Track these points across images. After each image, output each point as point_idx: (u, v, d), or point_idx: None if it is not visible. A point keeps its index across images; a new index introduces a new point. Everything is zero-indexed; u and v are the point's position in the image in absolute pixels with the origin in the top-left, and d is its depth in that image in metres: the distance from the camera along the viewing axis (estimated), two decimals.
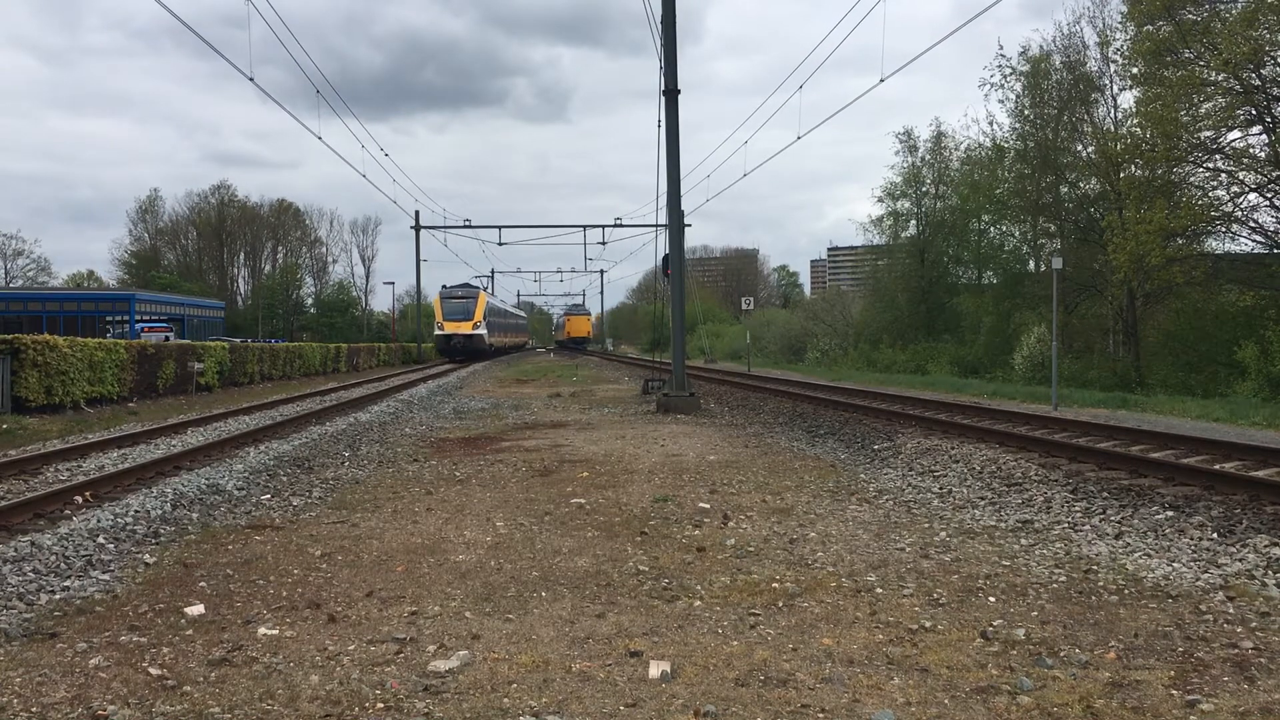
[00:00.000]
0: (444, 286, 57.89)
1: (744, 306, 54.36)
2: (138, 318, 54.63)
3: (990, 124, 74.52)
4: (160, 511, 8.86)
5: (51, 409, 19.08)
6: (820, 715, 4.22)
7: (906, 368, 43.06)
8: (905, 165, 52.13)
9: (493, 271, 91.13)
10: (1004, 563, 6.93)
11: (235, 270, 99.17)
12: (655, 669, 4.72)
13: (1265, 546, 7.18)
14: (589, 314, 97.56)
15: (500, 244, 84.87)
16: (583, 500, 9.54)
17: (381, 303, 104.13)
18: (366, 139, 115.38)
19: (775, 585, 6.33)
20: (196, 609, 5.82)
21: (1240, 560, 6.90)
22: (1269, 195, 29.37)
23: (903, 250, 52.44)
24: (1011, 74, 39.78)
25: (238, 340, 42.21)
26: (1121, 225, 30.61)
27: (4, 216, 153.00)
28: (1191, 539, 7.61)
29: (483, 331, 54.96)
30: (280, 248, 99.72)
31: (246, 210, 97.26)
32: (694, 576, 6.58)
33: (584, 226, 55.18)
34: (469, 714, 4.26)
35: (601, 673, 4.75)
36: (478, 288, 58.48)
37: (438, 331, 55.05)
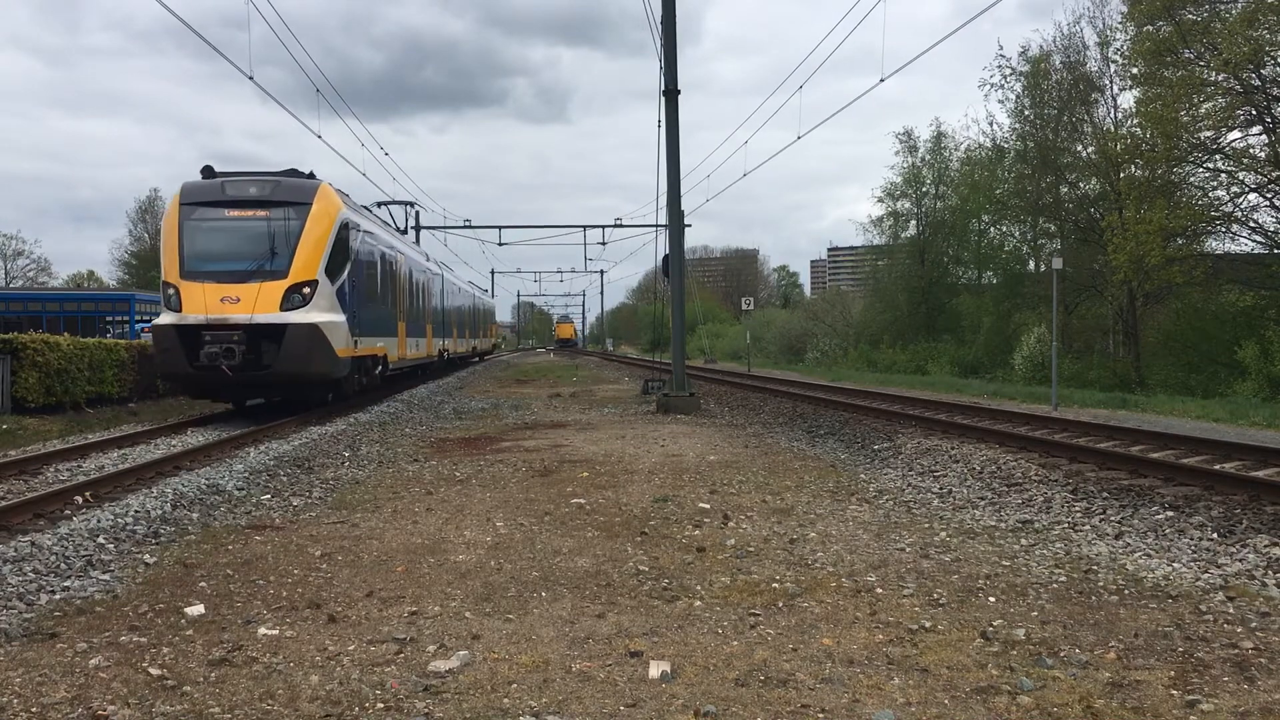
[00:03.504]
0: (206, 173, 17.82)
1: (744, 306, 54.27)
2: (137, 318, 54.60)
3: (990, 124, 74.62)
4: (160, 511, 8.86)
5: (51, 409, 19.07)
6: (820, 715, 4.22)
7: (906, 368, 43.09)
8: (905, 165, 52.20)
9: (493, 271, 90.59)
10: (1004, 563, 6.93)
11: None
12: (655, 669, 4.72)
13: (1265, 546, 7.19)
14: (572, 321, 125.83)
15: (500, 244, 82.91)
16: (583, 500, 9.54)
17: None
18: (367, 138, 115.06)
19: (775, 585, 6.33)
20: (196, 609, 5.82)
21: (1240, 560, 6.91)
22: (1269, 195, 29.39)
23: (903, 250, 52.48)
24: (1011, 74, 39.86)
25: None
26: (1121, 225, 30.63)
27: (4, 216, 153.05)
28: (1191, 539, 7.61)
29: (331, 317, 17.05)
30: None
31: None
32: (694, 576, 6.58)
33: (584, 227, 54.57)
34: (469, 714, 4.26)
35: (601, 673, 4.75)
36: (312, 181, 17.80)
37: (164, 320, 16.53)
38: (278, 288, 16.36)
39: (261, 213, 16.91)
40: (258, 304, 16.19)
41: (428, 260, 32.07)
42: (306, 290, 16.56)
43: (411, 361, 26.92)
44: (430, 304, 30.82)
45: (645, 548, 7.49)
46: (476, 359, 54.06)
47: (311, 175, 17.99)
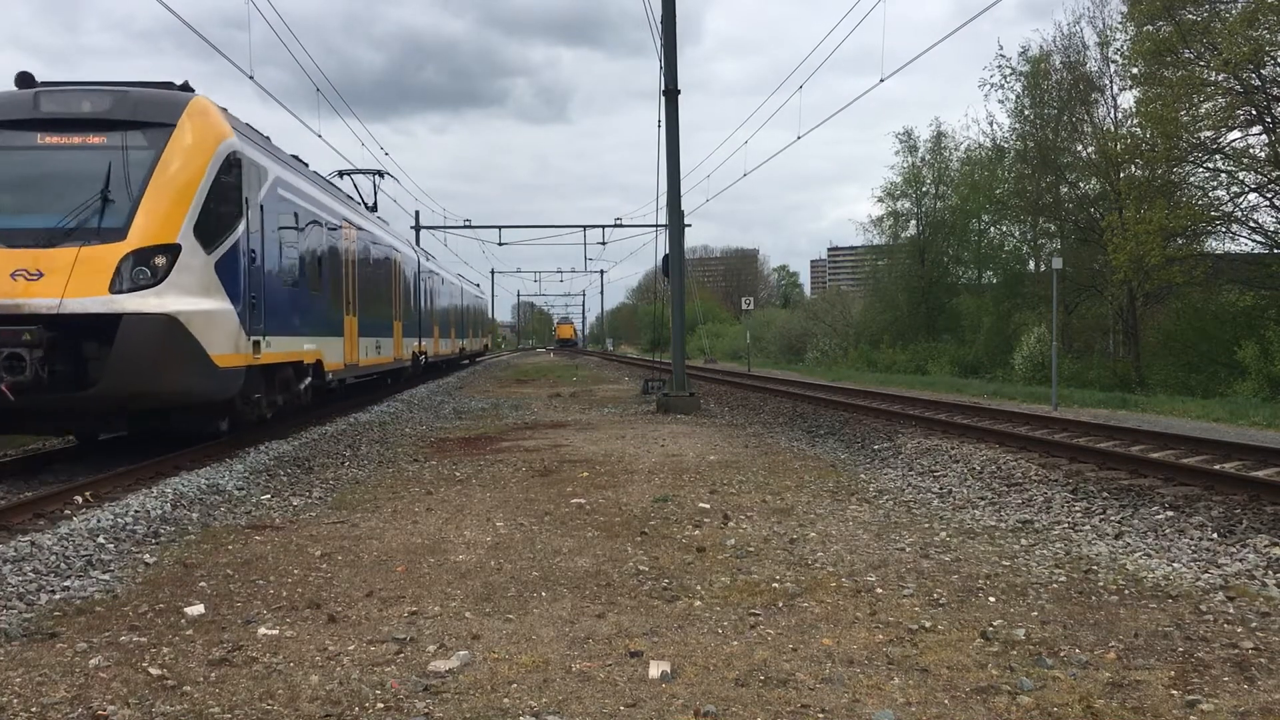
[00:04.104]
0: (21, 81, 11.77)
1: (744, 306, 54.30)
2: None
3: (990, 124, 74.75)
4: (160, 511, 8.86)
5: None
6: (820, 715, 4.22)
7: (906, 368, 43.12)
8: (905, 165, 52.25)
9: (493, 271, 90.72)
10: (1004, 563, 6.93)
11: None
12: (655, 669, 4.72)
13: (1265, 546, 7.19)
14: (572, 322, 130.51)
15: (500, 244, 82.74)
16: (583, 500, 9.54)
17: None
18: (367, 138, 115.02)
19: (775, 585, 6.33)
20: (196, 609, 5.82)
21: (1240, 560, 6.91)
22: (1269, 195, 29.40)
23: (903, 250, 52.53)
24: (1011, 74, 39.91)
25: None
26: (1121, 225, 30.64)
27: None
28: (1191, 539, 7.62)
29: (200, 304, 11.01)
30: None
31: None
32: (694, 576, 6.58)
33: (584, 227, 54.65)
34: (469, 714, 4.26)
35: (601, 673, 4.75)
36: (179, 94, 11.86)
37: None
38: (108, 255, 10.38)
39: (94, 139, 11.00)
40: (72, 282, 10.20)
41: (399, 242, 25.95)
42: (160, 260, 10.56)
43: (370, 369, 20.52)
44: (401, 295, 24.79)
45: (645, 548, 7.49)
46: (467, 361, 47.90)
47: (186, 86, 12.30)
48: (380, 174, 27.69)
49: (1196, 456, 11.60)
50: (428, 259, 33.18)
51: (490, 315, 77.88)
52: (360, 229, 19.83)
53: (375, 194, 27.16)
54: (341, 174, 25.66)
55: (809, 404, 21.82)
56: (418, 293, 28.48)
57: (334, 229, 17.44)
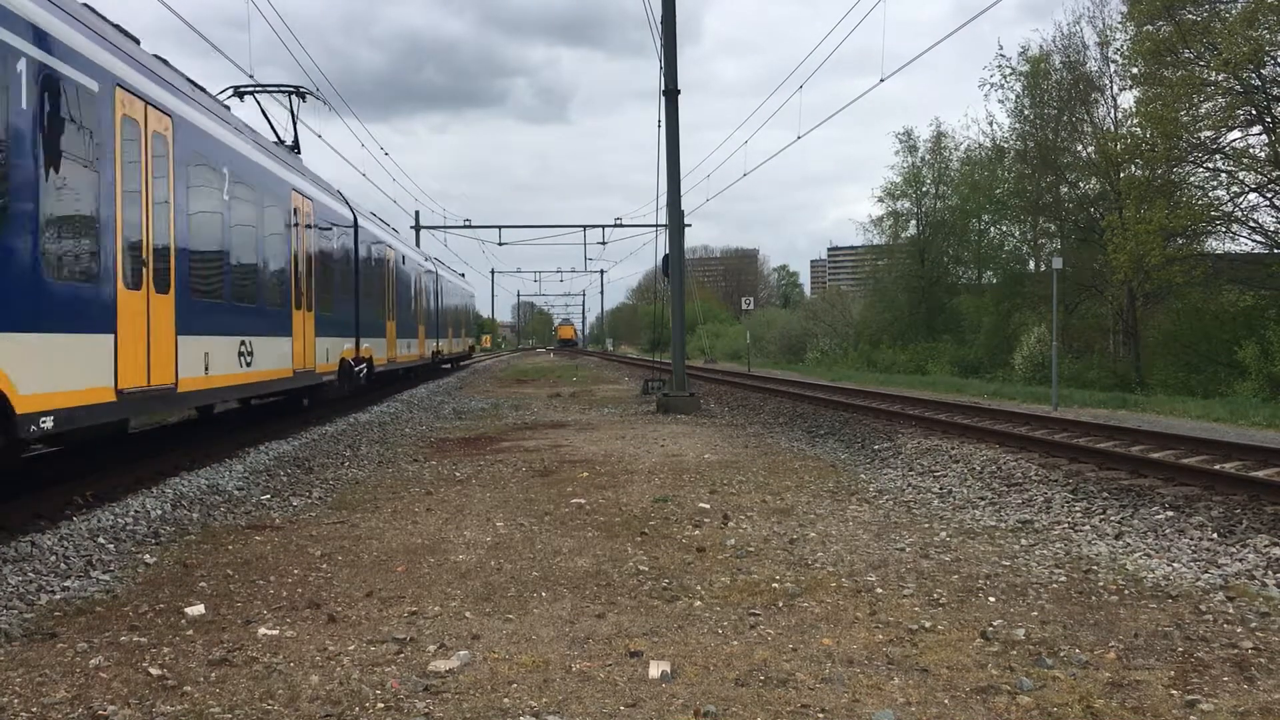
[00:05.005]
0: None
1: (744, 306, 54.30)
2: None
3: (990, 124, 74.61)
4: (160, 511, 8.86)
5: None
6: (820, 715, 4.22)
7: (907, 368, 43.11)
8: (905, 165, 52.28)
9: (493, 271, 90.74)
10: (1004, 563, 6.93)
11: None
12: (655, 669, 4.72)
13: (1265, 546, 7.19)
14: (573, 323, 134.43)
15: (500, 244, 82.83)
16: (583, 500, 9.54)
17: None
18: (367, 138, 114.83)
19: (775, 585, 6.33)
20: (196, 609, 5.82)
21: (1240, 560, 6.91)
22: (1269, 195, 29.41)
23: (903, 250, 52.55)
24: (1011, 74, 39.94)
25: None
26: (1121, 225, 30.64)
27: None
28: (1191, 539, 7.62)
29: None
30: None
31: None
32: (694, 576, 6.58)
33: (584, 226, 54.75)
34: (469, 714, 4.26)
35: (601, 673, 4.75)
36: None
37: None
38: None
39: None
40: None
41: (322, 192, 17.00)
42: None
43: (230, 391, 12.20)
44: (316, 271, 15.93)
45: (645, 548, 7.49)
46: (449, 366, 39.82)
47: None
48: (300, 93, 18.31)
49: (1196, 456, 11.59)
50: (385, 229, 23.75)
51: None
52: (209, 138, 11.28)
53: (295, 123, 18.17)
54: (239, 91, 17.53)
55: (809, 404, 21.82)
56: (353, 271, 19.27)
57: (98, 110, 8.38)
